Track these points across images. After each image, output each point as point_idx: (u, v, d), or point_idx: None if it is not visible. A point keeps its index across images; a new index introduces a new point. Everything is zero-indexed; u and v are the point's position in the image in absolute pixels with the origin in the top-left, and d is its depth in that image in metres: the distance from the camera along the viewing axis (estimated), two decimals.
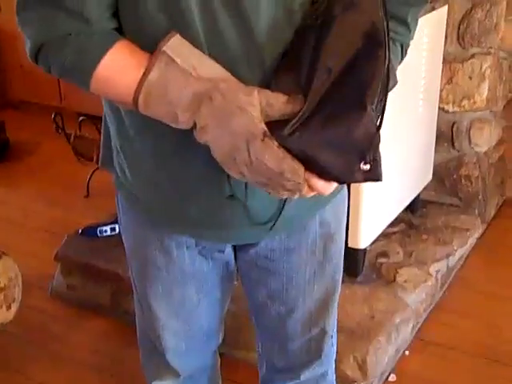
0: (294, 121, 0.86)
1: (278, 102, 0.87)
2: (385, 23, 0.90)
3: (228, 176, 0.96)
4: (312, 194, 0.91)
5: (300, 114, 0.86)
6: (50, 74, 0.96)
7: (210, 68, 0.89)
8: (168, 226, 1.14)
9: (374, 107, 0.87)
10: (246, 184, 1.00)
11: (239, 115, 0.86)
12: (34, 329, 2.30)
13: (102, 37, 0.91)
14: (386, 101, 0.90)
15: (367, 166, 0.86)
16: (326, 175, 0.88)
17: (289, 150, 0.86)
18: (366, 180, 0.88)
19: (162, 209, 1.10)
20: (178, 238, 1.15)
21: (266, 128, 0.86)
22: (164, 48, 0.88)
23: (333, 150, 0.86)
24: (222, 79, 0.88)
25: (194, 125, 0.89)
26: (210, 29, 0.90)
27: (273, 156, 0.85)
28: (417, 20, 1.08)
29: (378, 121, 0.89)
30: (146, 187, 1.10)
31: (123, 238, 1.26)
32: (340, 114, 0.86)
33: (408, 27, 1.06)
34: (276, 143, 0.86)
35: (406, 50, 1.09)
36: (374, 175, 0.88)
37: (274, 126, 0.86)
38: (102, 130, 1.17)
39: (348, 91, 0.87)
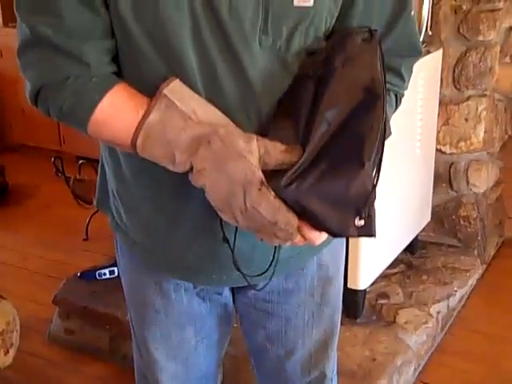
0: (290, 172, 0.86)
1: (276, 151, 0.88)
2: (383, 77, 0.92)
3: (221, 221, 0.96)
4: (304, 243, 0.91)
5: (297, 165, 0.86)
6: (49, 117, 0.97)
7: (209, 113, 0.90)
8: (164, 268, 1.13)
9: (371, 163, 0.87)
10: (236, 229, 0.99)
11: (237, 161, 0.86)
12: (31, 373, 2.27)
13: (101, 80, 0.92)
14: (382, 153, 0.90)
15: (362, 222, 0.87)
16: (319, 227, 0.88)
17: (284, 201, 0.86)
18: (359, 235, 0.88)
19: (158, 252, 1.10)
20: (176, 280, 1.15)
21: (263, 177, 0.86)
22: (165, 91, 0.89)
23: (328, 204, 0.86)
24: (222, 125, 0.89)
25: (191, 168, 0.90)
26: (208, 76, 0.91)
27: (268, 206, 0.86)
28: (411, 70, 1.10)
29: (375, 175, 0.90)
30: (142, 230, 1.10)
31: (122, 280, 1.26)
32: (337, 168, 0.86)
33: (402, 78, 1.07)
34: (272, 193, 0.86)
35: (401, 100, 1.10)
36: (368, 231, 0.88)
37: (271, 176, 0.87)
38: (98, 173, 1.17)
39: (346, 145, 0.87)
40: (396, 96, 1.08)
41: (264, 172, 0.87)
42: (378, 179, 0.90)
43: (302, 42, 0.94)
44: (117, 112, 0.92)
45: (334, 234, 0.90)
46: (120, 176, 1.06)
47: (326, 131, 0.87)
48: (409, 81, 1.10)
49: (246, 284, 1.14)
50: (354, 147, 0.87)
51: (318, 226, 0.88)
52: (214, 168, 0.87)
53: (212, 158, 0.87)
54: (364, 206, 0.86)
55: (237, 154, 0.86)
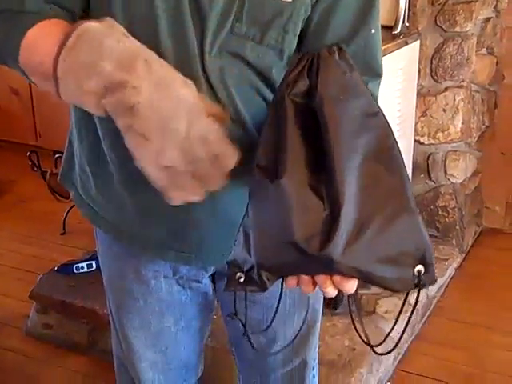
0: (336, 238, 0.77)
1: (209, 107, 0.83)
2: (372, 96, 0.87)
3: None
4: (335, 292, 0.84)
5: (339, 228, 0.77)
6: None
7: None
8: (130, 242, 1.12)
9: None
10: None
11: (183, 87, 0.81)
12: (9, 369, 2.24)
13: (37, 14, 0.88)
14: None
15: (422, 271, 0.81)
16: (378, 287, 0.83)
17: (338, 270, 0.79)
18: (423, 287, 0.82)
19: (125, 226, 1.09)
20: (155, 267, 1.14)
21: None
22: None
23: (388, 263, 0.80)
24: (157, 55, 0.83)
25: (117, 85, 0.79)
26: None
27: (218, 135, 0.80)
28: (377, 92, 1.05)
29: None
30: (112, 205, 1.09)
31: (101, 268, 1.24)
32: (388, 223, 0.79)
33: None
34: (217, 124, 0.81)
35: None
36: (431, 278, 0.82)
37: (320, 244, 0.78)
38: (65, 148, 1.15)
39: (386, 194, 0.81)
40: None
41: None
42: None
43: (280, 38, 0.93)
44: (44, 34, 0.85)
45: (396, 291, 0.84)
46: (94, 152, 1.05)
47: (355, 182, 0.79)
48: (376, 102, 1.02)
49: (216, 265, 1.14)
50: (396, 195, 0.81)
51: (380, 287, 0.82)
52: (154, 88, 0.79)
53: (153, 78, 0.79)
54: (425, 254, 0.81)
55: (181, 81, 0.81)
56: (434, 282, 0.83)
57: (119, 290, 1.20)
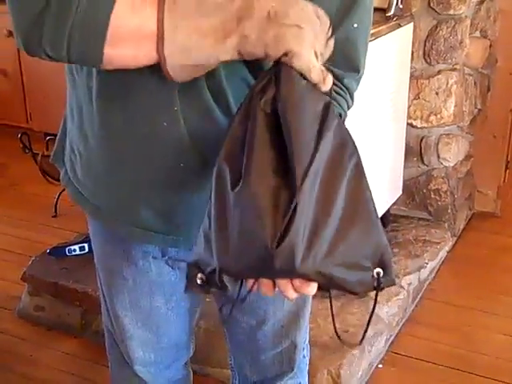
0: (301, 247, 0.77)
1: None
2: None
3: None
4: (295, 295, 0.84)
5: (301, 235, 0.77)
6: (55, 52, 0.82)
7: None
8: (116, 227, 1.11)
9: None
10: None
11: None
12: (0, 351, 2.24)
13: None
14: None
15: (381, 273, 0.82)
16: (339, 290, 0.83)
17: (299, 274, 0.79)
18: (382, 288, 0.82)
19: (111, 211, 1.09)
20: (144, 248, 1.14)
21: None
22: None
23: (349, 267, 0.81)
24: None
25: (247, 8, 0.79)
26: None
27: None
28: (353, 86, 1.03)
29: None
30: (96, 189, 1.08)
31: (93, 248, 1.24)
32: (349, 227, 0.81)
33: (347, 88, 1.01)
34: None
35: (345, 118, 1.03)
36: (388, 281, 0.83)
37: (281, 259, 0.77)
38: (60, 127, 1.15)
39: (346, 199, 0.81)
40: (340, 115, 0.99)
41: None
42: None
43: None
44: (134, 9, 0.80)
45: (356, 293, 0.85)
46: (82, 132, 1.04)
47: (314, 186, 0.79)
48: (353, 96, 1.02)
49: None
50: (355, 198, 0.82)
51: (341, 290, 0.83)
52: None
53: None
54: (384, 257, 0.82)
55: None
56: (393, 283, 0.84)
57: (109, 270, 1.20)
